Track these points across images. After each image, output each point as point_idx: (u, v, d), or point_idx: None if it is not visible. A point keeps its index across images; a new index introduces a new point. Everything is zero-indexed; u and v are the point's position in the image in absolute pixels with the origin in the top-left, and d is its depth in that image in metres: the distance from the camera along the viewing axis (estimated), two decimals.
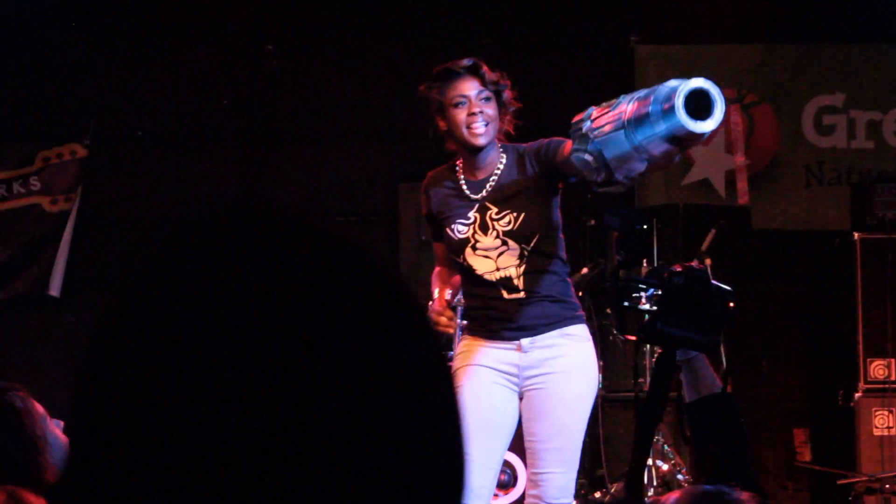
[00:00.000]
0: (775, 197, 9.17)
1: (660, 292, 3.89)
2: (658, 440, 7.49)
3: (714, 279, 7.22)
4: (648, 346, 6.01)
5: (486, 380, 5.66)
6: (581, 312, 5.85)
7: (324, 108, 9.36)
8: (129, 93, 9.44)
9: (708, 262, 7.56)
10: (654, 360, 4.53)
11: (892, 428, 7.74)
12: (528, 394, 5.73)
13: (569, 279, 5.93)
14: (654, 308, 3.88)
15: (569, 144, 5.31)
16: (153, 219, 8.70)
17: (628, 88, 8.77)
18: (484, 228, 5.68)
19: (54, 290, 8.86)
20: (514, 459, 7.25)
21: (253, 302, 1.03)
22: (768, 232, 9.02)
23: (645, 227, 5.98)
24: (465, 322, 6.17)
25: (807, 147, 9.16)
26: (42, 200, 8.96)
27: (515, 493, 7.33)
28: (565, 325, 5.69)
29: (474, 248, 5.69)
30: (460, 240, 5.71)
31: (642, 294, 4.23)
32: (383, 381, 1.05)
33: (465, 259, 5.72)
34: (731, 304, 3.83)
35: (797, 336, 8.98)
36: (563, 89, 8.60)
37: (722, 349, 7.18)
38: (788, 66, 9.34)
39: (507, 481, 7.39)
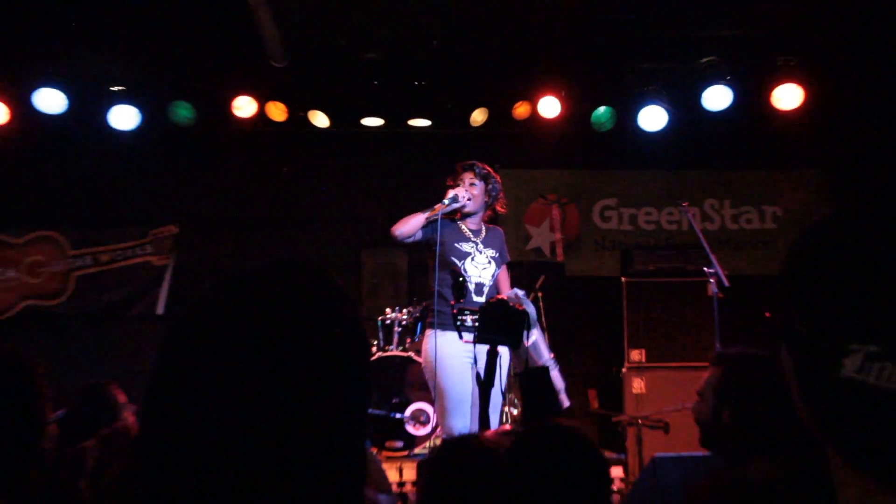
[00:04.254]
0: (578, 257, 9.17)
1: (479, 315, 4.27)
2: (511, 396, 7.12)
3: (541, 305, 7.69)
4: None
5: (468, 367, 5.53)
6: None
7: None
8: (210, 191, 9.02)
9: (540, 294, 7.73)
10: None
11: (643, 389, 7.65)
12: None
13: None
14: (478, 323, 4.24)
15: (505, 279, 6.07)
16: (217, 271, 8.34)
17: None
18: (479, 251, 5.91)
19: (160, 309, 8.77)
20: (428, 408, 7.23)
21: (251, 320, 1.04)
22: (575, 277, 9.02)
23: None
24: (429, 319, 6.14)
25: (595, 229, 9.24)
26: (151, 259, 8.83)
27: (429, 427, 7.29)
28: None
29: (472, 259, 5.88)
30: (465, 252, 5.87)
31: (468, 316, 4.75)
32: (333, 362, 1.06)
33: (463, 265, 5.86)
34: (526, 320, 4.06)
35: (589, 337, 8.89)
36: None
37: (545, 345, 8.03)
38: (587, 181, 9.28)
39: (425, 420, 7.36)
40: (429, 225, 5.76)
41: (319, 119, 8.40)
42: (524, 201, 9.21)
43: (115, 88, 8.07)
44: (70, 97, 7.97)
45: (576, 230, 9.21)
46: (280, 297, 1.07)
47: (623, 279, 8.01)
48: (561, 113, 8.28)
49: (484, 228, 6.05)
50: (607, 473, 2.50)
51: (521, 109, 8.39)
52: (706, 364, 6.98)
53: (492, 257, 5.97)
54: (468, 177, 5.93)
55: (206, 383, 1.01)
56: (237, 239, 8.87)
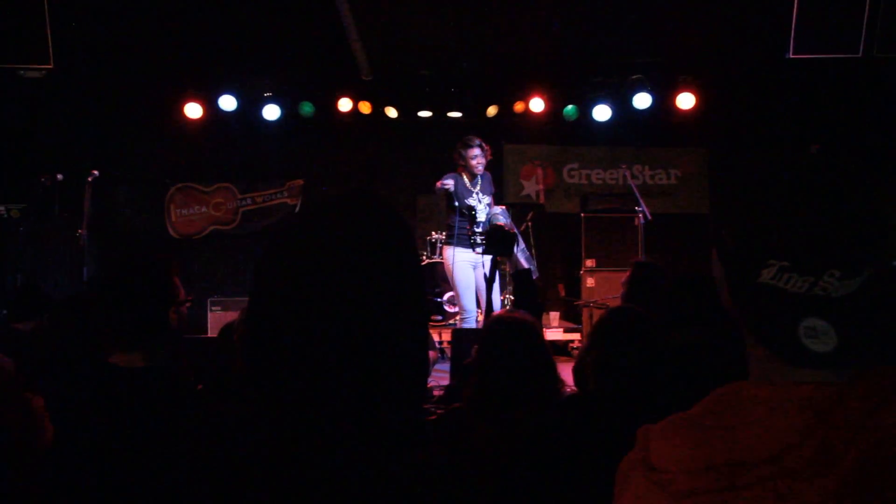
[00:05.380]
0: (554, 199, 9.06)
1: (486, 236, 4.31)
2: (509, 288, 7.07)
3: (528, 230, 7.40)
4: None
5: (470, 268, 5.82)
6: None
7: None
8: (323, 157, 8.83)
9: (530, 224, 7.69)
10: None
11: (594, 284, 7.63)
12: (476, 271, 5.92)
13: None
14: (486, 241, 4.27)
15: (492, 203, 5.98)
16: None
17: (499, 168, 8.43)
18: (479, 197, 5.96)
19: None
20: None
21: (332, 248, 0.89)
22: (551, 213, 8.91)
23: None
24: (447, 237, 6.09)
25: (564, 182, 9.14)
26: (287, 200, 8.83)
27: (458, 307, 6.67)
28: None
29: (476, 206, 5.96)
30: (471, 205, 5.92)
31: (478, 237, 5.15)
32: (394, 274, 0.91)
33: (470, 205, 5.88)
34: (517, 241, 4.04)
35: (561, 251, 8.80)
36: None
37: (534, 262, 7.34)
38: (559, 152, 9.11)
39: (455, 302, 6.80)
40: (442, 188, 5.79)
41: (391, 112, 8.38)
42: (520, 164, 9.12)
43: (266, 94, 8.20)
44: (239, 100, 8.18)
45: (552, 183, 9.13)
46: (356, 213, 0.94)
47: (582, 214, 7.99)
48: (544, 109, 8.29)
49: (480, 179, 5.99)
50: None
51: (519, 106, 8.36)
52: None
53: (487, 203, 5.98)
54: (472, 152, 5.93)
55: (296, 274, 0.89)
56: (339, 186, 8.41)
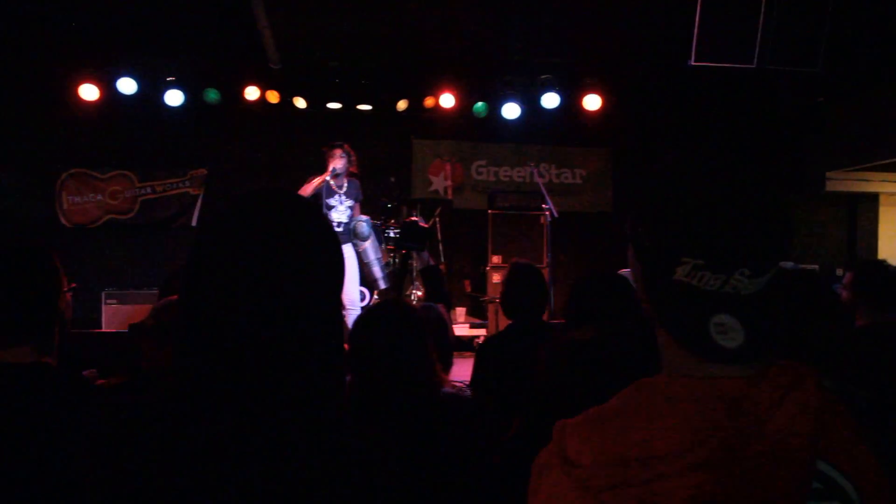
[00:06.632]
0: (461, 197, 9.06)
1: (399, 229, 4.38)
2: (416, 283, 7.03)
3: (435, 226, 7.44)
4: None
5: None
6: None
7: None
8: (227, 146, 8.65)
9: (437, 219, 7.70)
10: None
11: (500, 280, 6.45)
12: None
13: None
14: (398, 235, 4.35)
15: (357, 210, 6.31)
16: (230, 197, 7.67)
17: (408, 162, 8.62)
18: (340, 199, 6.21)
19: (194, 223, 8.54)
20: (365, 289, 6.93)
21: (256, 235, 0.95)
22: (459, 210, 8.83)
23: (389, 205, 6.54)
24: None
25: (472, 179, 9.22)
26: (189, 190, 8.62)
27: (365, 301, 6.95)
28: (348, 241, 6.25)
29: (335, 209, 6.18)
30: (332, 205, 6.14)
31: (390, 231, 5.20)
32: (313, 258, 0.97)
33: (330, 206, 6.15)
34: (426, 235, 3.81)
35: (467, 247, 8.77)
36: (373, 164, 7.77)
37: (441, 256, 7.73)
38: (468, 148, 9.14)
39: (363, 296, 7.04)
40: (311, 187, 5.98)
41: (300, 102, 8.23)
42: (428, 160, 9.10)
43: (169, 78, 7.94)
44: (139, 83, 7.90)
45: (460, 179, 9.19)
46: (277, 209, 1.00)
47: (489, 212, 8.03)
48: (454, 105, 8.33)
49: (346, 183, 6.22)
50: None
51: (429, 101, 8.35)
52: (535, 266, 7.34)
53: (349, 206, 6.24)
54: (338, 153, 6.15)
55: (224, 267, 0.94)
56: (244, 177, 8.48)
